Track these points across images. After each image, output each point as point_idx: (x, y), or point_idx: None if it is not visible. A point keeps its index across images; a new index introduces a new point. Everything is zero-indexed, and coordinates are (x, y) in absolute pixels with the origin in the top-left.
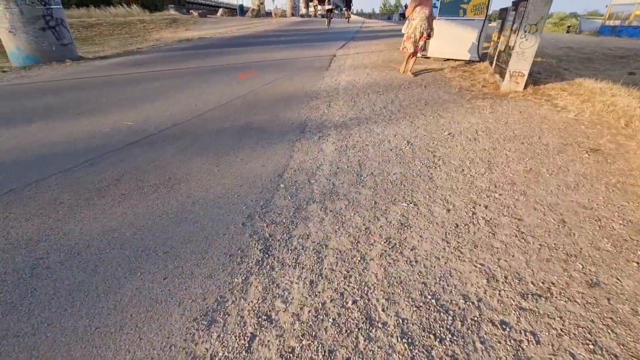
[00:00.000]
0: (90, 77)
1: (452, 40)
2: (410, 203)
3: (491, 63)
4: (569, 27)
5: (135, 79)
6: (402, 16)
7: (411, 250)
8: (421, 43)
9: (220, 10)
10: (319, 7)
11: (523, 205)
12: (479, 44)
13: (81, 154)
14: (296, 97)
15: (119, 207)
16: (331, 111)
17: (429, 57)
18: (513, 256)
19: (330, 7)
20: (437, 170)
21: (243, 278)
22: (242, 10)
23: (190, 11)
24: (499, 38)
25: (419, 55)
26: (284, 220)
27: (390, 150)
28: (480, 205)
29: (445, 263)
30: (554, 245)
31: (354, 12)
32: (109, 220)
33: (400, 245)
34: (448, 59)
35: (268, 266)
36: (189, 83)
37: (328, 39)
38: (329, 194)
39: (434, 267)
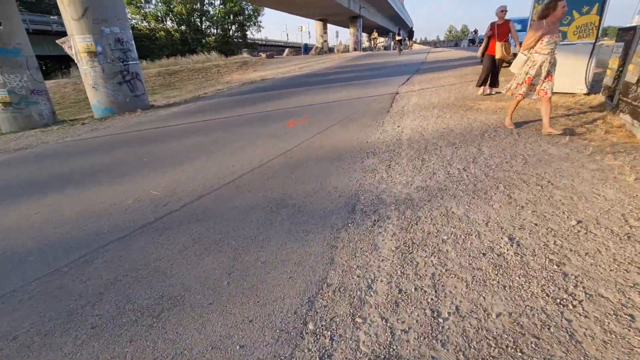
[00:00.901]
0: (148, 128)
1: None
2: None
3: (610, 98)
4: None
5: (186, 131)
6: (472, 42)
7: None
8: (547, 85)
9: (286, 50)
10: (380, 39)
11: None
12: (587, 73)
13: (82, 244)
14: (349, 154)
15: (82, 356)
16: (391, 176)
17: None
18: None
19: (399, 38)
20: (577, 314)
21: None
22: (306, 49)
23: (259, 53)
24: (623, 66)
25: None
26: None
27: (483, 255)
28: None
29: None
30: None
31: (417, 40)
32: None
33: None
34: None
35: None
36: (235, 134)
37: (390, 73)
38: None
39: None
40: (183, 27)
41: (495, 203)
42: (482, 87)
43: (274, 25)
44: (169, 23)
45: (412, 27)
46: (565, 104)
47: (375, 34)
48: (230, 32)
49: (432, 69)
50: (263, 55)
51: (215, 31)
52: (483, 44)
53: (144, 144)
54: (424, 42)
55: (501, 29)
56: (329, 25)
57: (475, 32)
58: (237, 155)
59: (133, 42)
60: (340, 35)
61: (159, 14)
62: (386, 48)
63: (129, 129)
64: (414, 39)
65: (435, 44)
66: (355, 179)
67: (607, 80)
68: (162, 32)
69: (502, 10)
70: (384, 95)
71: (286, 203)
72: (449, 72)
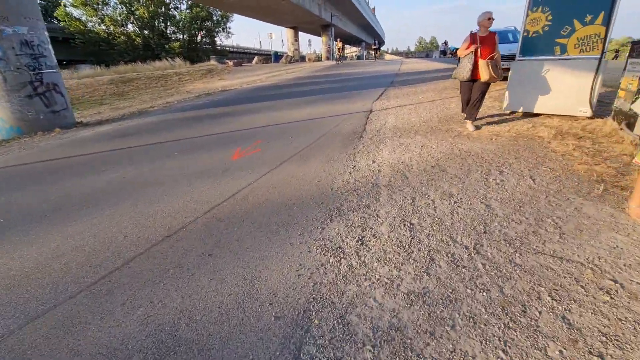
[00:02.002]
0: (53, 158)
1: (545, 88)
2: None
3: (629, 126)
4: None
5: (99, 162)
6: (444, 53)
7: None
8: None
9: (256, 58)
10: (353, 49)
11: None
12: (592, 93)
13: None
14: (305, 212)
15: None
16: (366, 264)
17: (512, 113)
18: None
19: (375, 47)
20: None
21: None
22: (276, 57)
23: (226, 61)
24: None
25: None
26: None
27: None
28: None
29: None
30: None
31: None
32: None
33: None
34: (539, 114)
35: None
36: (160, 170)
37: (362, 85)
38: None
39: None
40: (146, 32)
41: (546, 339)
42: (469, 121)
43: (247, 32)
44: (130, 27)
45: (378, 40)
46: (572, 130)
47: (339, 44)
48: (198, 38)
49: (408, 81)
50: (230, 62)
51: (181, 37)
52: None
53: (45, 180)
54: (396, 53)
55: (486, 43)
56: (302, 34)
57: (446, 43)
58: (144, 213)
59: (49, 47)
60: (313, 44)
61: (119, 18)
62: (359, 57)
63: (33, 158)
64: (380, 50)
65: (407, 54)
66: (309, 272)
67: (622, 104)
68: (122, 37)
69: (489, 19)
70: (355, 114)
71: (183, 337)
72: (426, 86)
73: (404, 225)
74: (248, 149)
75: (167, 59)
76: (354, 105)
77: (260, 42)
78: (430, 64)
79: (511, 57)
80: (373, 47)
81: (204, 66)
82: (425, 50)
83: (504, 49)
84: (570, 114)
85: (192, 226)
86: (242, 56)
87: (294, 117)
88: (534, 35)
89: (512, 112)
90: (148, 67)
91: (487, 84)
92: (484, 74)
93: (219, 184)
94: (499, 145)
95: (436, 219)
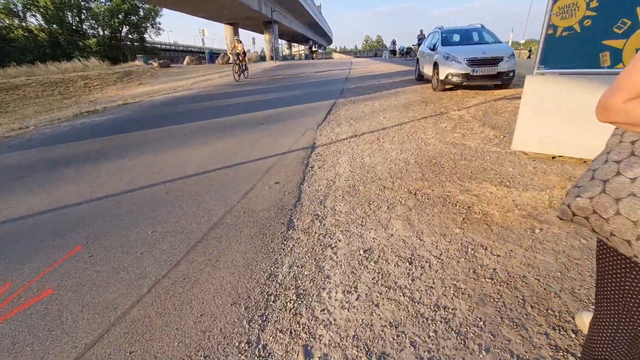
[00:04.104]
0: None
1: (578, 118)
2: None
3: None
4: None
5: None
6: (393, 53)
7: None
8: None
9: (187, 58)
10: (301, 47)
11: None
12: None
13: None
14: None
15: None
16: None
17: (524, 153)
18: None
19: (315, 49)
20: None
21: None
22: (211, 57)
23: (150, 62)
24: None
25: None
26: None
27: None
28: None
29: None
30: None
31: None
32: None
33: None
34: (560, 156)
35: None
36: None
37: (305, 97)
38: None
39: None
40: (55, 26)
41: None
42: None
43: (188, 28)
44: (33, 20)
45: (315, 42)
46: None
47: (235, 43)
48: (122, 34)
49: (361, 90)
50: (155, 64)
51: (102, 32)
52: None
53: None
54: (344, 52)
55: None
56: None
57: (394, 42)
58: None
59: None
60: (258, 43)
61: (16, 7)
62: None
63: None
64: (317, 50)
65: (355, 53)
66: None
67: None
68: (20, 31)
69: None
70: (289, 155)
71: None
72: (386, 99)
73: None
74: (30, 285)
75: (79, 59)
76: (289, 137)
77: (202, 39)
78: (381, 65)
79: (484, 62)
80: (312, 50)
81: (125, 68)
82: (374, 50)
83: (472, 51)
84: None
85: None
86: (178, 55)
87: (183, 167)
88: (565, 34)
89: (526, 152)
90: (50, 69)
91: None
92: None
93: None
94: (560, 252)
95: None
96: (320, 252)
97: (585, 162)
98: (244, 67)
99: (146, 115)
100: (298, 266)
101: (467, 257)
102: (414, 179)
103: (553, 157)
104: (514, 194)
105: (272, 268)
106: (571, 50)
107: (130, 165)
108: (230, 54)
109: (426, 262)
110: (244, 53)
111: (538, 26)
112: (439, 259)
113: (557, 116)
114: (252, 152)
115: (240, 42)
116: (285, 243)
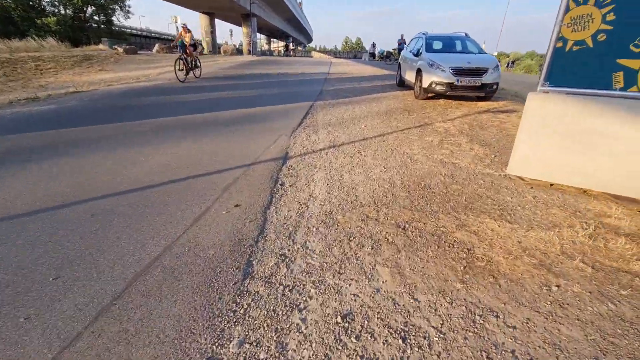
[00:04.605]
0: None
1: (589, 146)
2: None
3: None
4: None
5: None
6: (372, 56)
7: None
8: None
9: (157, 45)
10: (281, 43)
11: None
12: None
13: None
14: None
15: None
16: None
17: (520, 178)
18: None
19: (293, 47)
20: None
21: None
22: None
23: (115, 47)
24: None
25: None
26: None
27: None
28: None
29: None
30: None
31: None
32: None
33: None
34: (559, 184)
35: None
36: None
37: (280, 97)
38: None
39: None
40: (9, 1)
41: None
42: None
43: (160, 14)
44: None
45: (291, 41)
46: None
47: (181, 31)
48: (87, 14)
49: (341, 92)
50: (120, 49)
51: (63, 11)
52: None
53: None
54: (323, 51)
55: None
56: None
57: (374, 45)
58: None
59: None
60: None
61: None
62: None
63: None
64: (296, 47)
65: (335, 54)
66: None
67: None
68: None
69: None
70: (256, 168)
71: None
72: (367, 105)
73: None
74: None
75: (34, 38)
76: (259, 143)
77: (177, 27)
78: (361, 67)
79: (469, 72)
80: (290, 47)
81: (86, 51)
82: (353, 51)
83: (457, 60)
84: (632, 195)
85: None
86: (150, 42)
87: (123, 178)
88: (575, 48)
89: (532, 181)
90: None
91: None
92: None
93: None
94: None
95: None
96: (284, 317)
97: (585, 192)
98: (193, 64)
99: (95, 107)
100: (251, 343)
101: (476, 330)
102: (402, 207)
103: (551, 185)
104: (518, 232)
105: (214, 347)
106: (581, 68)
107: (53, 173)
108: (173, 45)
109: (424, 337)
110: (194, 46)
111: (510, 40)
112: (440, 332)
113: (560, 140)
114: (213, 161)
115: (189, 30)
116: (239, 301)
